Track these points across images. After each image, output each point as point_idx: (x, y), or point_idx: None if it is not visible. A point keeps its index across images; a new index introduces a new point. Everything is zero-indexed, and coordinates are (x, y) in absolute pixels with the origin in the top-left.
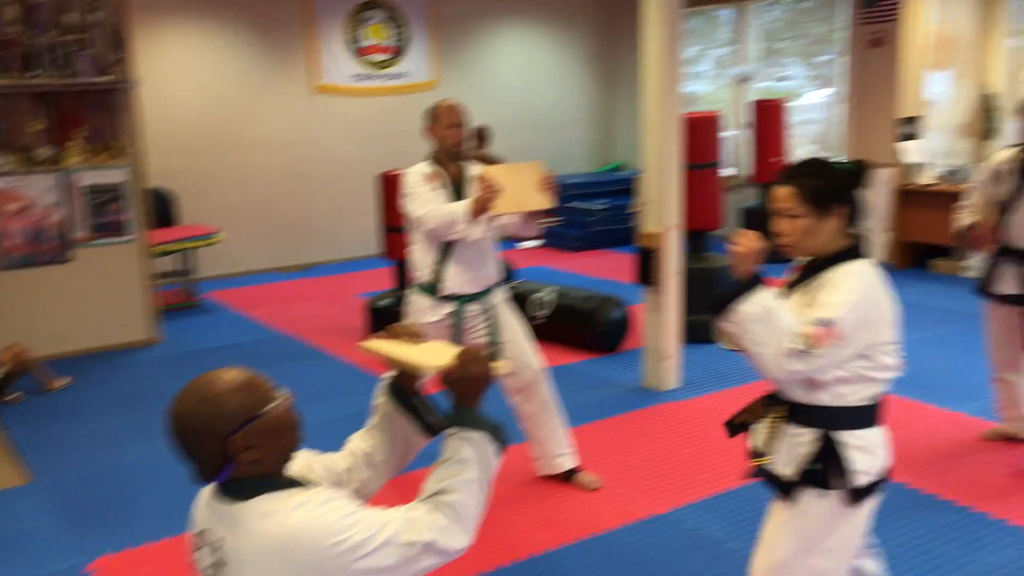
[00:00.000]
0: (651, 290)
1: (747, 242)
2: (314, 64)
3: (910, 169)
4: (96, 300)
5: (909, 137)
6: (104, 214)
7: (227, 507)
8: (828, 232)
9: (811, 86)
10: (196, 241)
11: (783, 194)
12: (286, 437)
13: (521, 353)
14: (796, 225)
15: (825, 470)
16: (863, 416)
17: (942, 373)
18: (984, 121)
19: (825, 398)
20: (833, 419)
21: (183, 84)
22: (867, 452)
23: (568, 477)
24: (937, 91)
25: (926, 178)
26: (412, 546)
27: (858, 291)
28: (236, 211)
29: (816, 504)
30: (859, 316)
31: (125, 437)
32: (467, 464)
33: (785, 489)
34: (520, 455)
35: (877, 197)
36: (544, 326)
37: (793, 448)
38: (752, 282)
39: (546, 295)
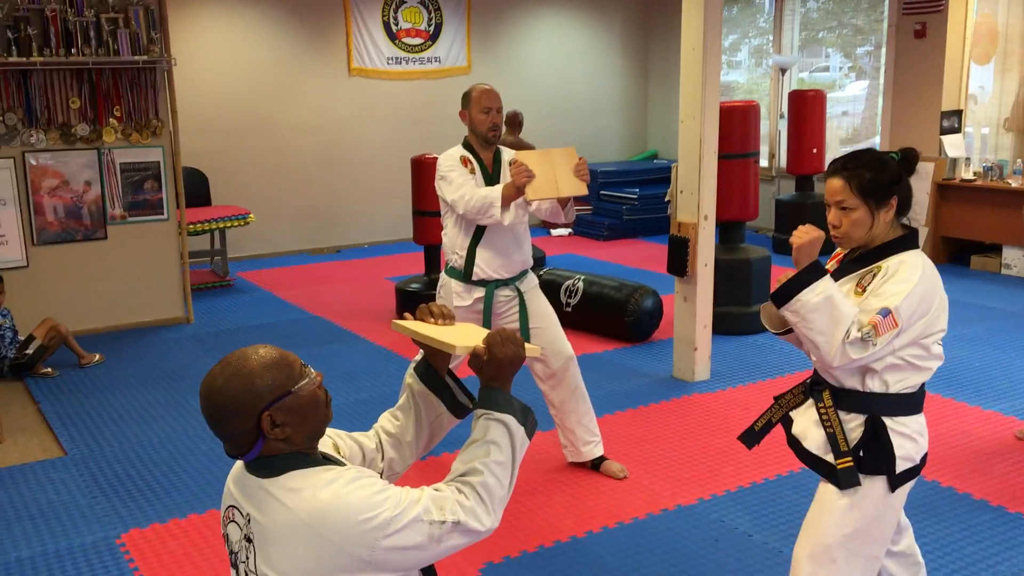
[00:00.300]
0: (683, 280)
1: (807, 233)
2: (350, 46)
3: (951, 163)
4: (130, 277)
5: (950, 131)
6: (139, 192)
7: (257, 483)
8: (881, 223)
9: (850, 77)
10: (229, 221)
11: (836, 186)
12: (317, 415)
13: (551, 340)
14: (849, 217)
15: (872, 456)
16: (908, 403)
17: (978, 371)
18: None
19: (874, 385)
20: (880, 405)
21: (218, 65)
22: (910, 439)
23: (595, 465)
24: (979, 84)
25: (966, 173)
26: (439, 525)
27: (914, 280)
28: (268, 192)
29: (867, 490)
30: (916, 305)
31: (156, 413)
32: (496, 446)
33: (836, 474)
34: (548, 442)
35: (918, 191)
36: (575, 314)
37: (846, 433)
38: (813, 272)
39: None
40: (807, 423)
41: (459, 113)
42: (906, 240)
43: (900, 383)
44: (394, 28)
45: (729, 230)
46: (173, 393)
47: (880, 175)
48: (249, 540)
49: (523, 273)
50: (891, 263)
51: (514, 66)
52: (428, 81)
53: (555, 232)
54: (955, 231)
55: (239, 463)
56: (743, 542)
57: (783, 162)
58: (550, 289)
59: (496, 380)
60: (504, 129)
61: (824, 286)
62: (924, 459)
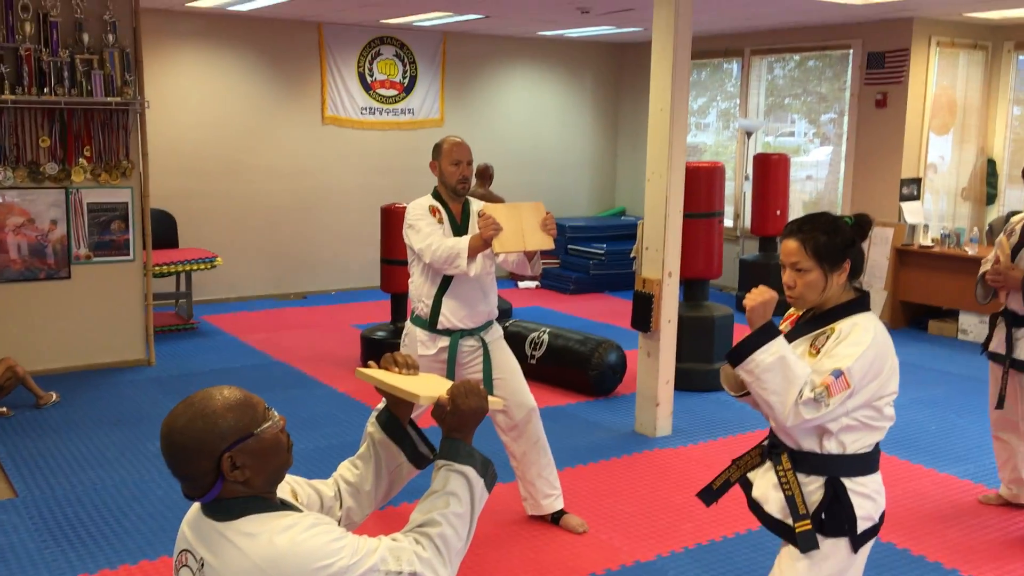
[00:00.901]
0: (646, 336)
1: (761, 295)
2: (324, 95)
3: (910, 230)
4: (92, 318)
5: (910, 198)
6: (106, 232)
7: (213, 526)
8: (834, 285)
9: (815, 143)
10: (195, 264)
11: (791, 248)
12: (277, 459)
13: (514, 391)
14: (804, 278)
15: (833, 517)
16: (865, 463)
17: (934, 434)
18: (984, 185)
19: (831, 446)
20: (838, 466)
21: (192, 108)
22: (869, 498)
23: (555, 519)
24: (939, 154)
25: (925, 239)
26: (398, 575)
27: (866, 342)
28: (236, 236)
29: (829, 551)
30: (868, 367)
31: (112, 456)
32: (455, 497)
33: (795, 538)
34: (508, 494)
35: (877, 256)
36: (539, 367)
37: (806, 496)
38: (767, 332)
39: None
40: (766, 486)
41: (429, 164)
42: (858, 303)
43: (856, 443)
44: (369, 79)
45: (693, 287)
46: (130, 436)
47: (834, 238)
48: None
49: (488, 324)
50: (844, 325)
51: (487, 120)
52: (401, 131)
53: (522, 284)
54: (913, 296)
55: (195, 507)
56: None
57: (747, 223)
58: (516, 341)
59: (458, 431)
60: (474, 182)
61: (777, 346)
62: (882, 517)
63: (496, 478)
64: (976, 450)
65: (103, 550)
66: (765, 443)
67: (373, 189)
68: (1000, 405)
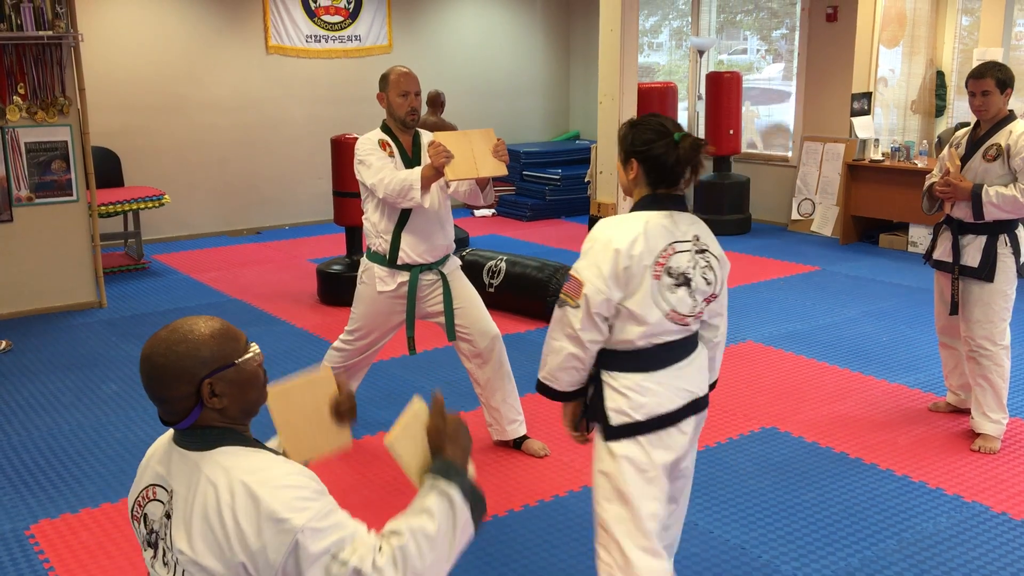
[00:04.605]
0: None
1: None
2: (267, 23)
3: (860, 145)
4: (38, 261)
5: (860, 113)
6: (47, 172)
7: (185, 456)
8: (624, 181)
9: (767, 60)
10: (142, 203)
11: None
12: (254, 392)
13: (476, 320)
14: (622, 174)
15: (593, 407)
16: (622, 361)
17: (885, 346)
18: (933, 98)
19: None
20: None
21: (129, 41)
22: (621, 394)
23: (517, 444)
24: (889, 67)
25: (875, 154)
26: (343, 565)
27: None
28: (183, 173)
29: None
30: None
31: (66, 401)
32: (428, 516)
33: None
34: (472, 421)
35: (829, 172)
36: (498, 294)
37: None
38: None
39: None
40: None
41: (377, 96)
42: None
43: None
44: (313, 5)
45: None
46: (84, 380)
47: (625, 136)
48: (168, 516)
49: (446, 256)
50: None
51: (436, 45)
52: (348, 60)
53: (478, 213)
54: (864, 210)
55: (161, 442)
56: None
57: None
58: (473, 270)
59: (454, 458)
60: (425, 109)
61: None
62: (659, 420)
63: (484, 512)
64: (926, 359)
65: (63, 495)
66: None
67: (322, 120)
68: (954, 311)
